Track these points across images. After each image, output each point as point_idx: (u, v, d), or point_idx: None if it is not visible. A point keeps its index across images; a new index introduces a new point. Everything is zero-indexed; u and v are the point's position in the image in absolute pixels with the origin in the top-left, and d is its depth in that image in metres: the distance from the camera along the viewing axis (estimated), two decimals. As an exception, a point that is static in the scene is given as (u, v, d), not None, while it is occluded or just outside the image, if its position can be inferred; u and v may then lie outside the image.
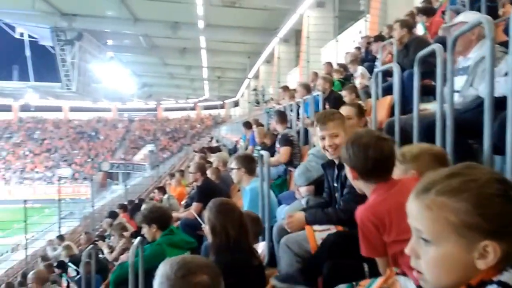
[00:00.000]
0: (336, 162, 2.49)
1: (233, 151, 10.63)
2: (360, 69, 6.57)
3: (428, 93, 3.60)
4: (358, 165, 1.72)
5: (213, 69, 36.49)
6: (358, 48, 8.97)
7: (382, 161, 1.69)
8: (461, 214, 0.78)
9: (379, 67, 5.02)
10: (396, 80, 3.37)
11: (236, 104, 52.41)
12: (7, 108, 56.05)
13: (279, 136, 5.42)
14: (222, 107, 53.62)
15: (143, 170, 40.34)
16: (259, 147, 6.35)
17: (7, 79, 47.30)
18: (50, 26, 23.96)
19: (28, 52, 41.23)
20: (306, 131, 5.80)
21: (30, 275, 4.59)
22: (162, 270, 1.35)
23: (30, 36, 31.61)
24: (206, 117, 59.98)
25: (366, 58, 7.33)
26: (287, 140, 5.13)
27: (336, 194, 2.52)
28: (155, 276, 1.37)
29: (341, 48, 11.19)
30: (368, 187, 1.74)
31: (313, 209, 2.68)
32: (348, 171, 1.82)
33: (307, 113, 5.99)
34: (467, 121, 2.34)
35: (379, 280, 1.49)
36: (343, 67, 8.01)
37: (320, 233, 2.37)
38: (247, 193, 3.89)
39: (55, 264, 7.56)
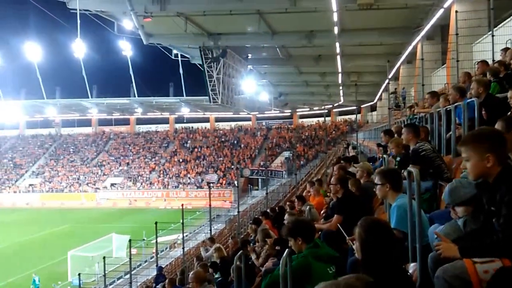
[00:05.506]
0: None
1: (372, 159, 10.29)
2: (520, 67, 5.73)
3: None
4: None
5: (348, 74, 35.91)
6: (521, 43, 7.80)
7: None
8: None
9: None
10: None
11: (373, 108, 50.52)
12: (165, 121, 64.43)
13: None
14: (358, 112, 52.40)
15: (281, 176, 41.75)
16: (398, 158, 6.00)
17: (165, 95, 54.16)
18: (199, 46, 26.65)
19: (181, 71, 46.47)
20: (459, 141, 5.28)
21: (190, 275, 5.15)
22: None
23: (182, 56, 35.45)
24: (341, 123, 59.21)
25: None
26: (416, 157, 4.80)
27: (494, 219, 2.25)
28: None
29: (498, 43, 9.89)
30: None
31: (468, 240, 2.43)
32: None
33: (460, 120, 5.46)
34: None
35: None
36: (503, 65, 7.05)
37: (481, 265, 2.15)
38: (394, 210, 3.71)
39: (208, 264, 8.34)
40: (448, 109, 5.82)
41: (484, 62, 7.96)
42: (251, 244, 7.86)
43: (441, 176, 4.72)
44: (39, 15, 48.48)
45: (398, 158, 5.95)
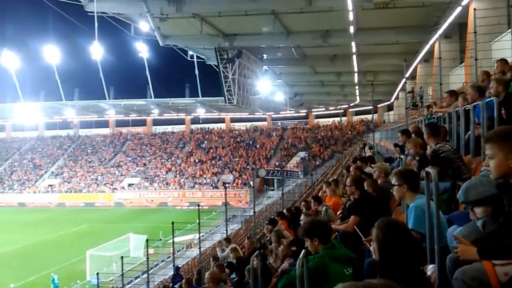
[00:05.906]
0: None
1: (389, 160, 10.18)
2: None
3: None
4: None
5: (364, 73, 35.61)
6: (542, 40, 7.63)
7: None
8: None
9: None
10: None
11: (389, 108, 49.99)
12: (181, 122, 65.04)
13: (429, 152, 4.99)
14: (374, 111, 51.85)
15: (296, 176, 41.63)
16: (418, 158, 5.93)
17: (180, 96, 54.64)
18: (214, 47, 26.79)
19: (197, 72, 46.77)
20: (477, 141, 5.21)
21: (206, 275, 5.17)
22: None
23: (198, 57, 35.70)
24: (357, 123, 58.75)
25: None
26: (436, 159, 4.70)
27: None
28: None
29: (517, 41, 9.70)
30: None
31: (487, 241, 2.39)
32: None
33: (479, 120, 5.38)
34: None
35: None
36: (523, 63, 6.92)
37: (501, 267, 2.11)
38: (411, 211, 3.68)
39: (225, 264, 8.39)
40: (466, 108, 5.74)
41: (503, 61, 7.82)
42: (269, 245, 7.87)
43: (460, 177, 4.64)
44: (58, 18, 49.60)
45: (418, 158, 5.89)
